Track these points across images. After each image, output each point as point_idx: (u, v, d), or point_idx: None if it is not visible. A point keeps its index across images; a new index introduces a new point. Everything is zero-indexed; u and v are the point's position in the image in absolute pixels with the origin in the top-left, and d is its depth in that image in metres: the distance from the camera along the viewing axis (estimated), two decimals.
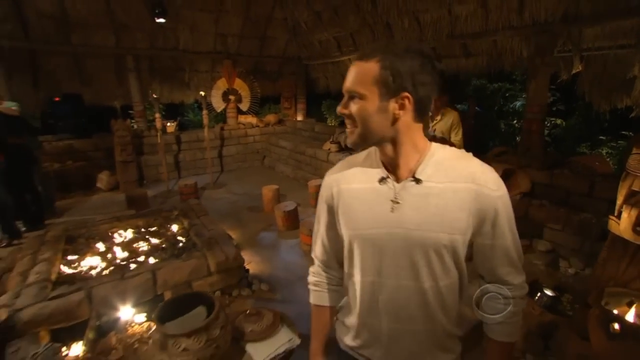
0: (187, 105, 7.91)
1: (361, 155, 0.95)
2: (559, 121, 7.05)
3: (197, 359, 1.41)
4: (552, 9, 3.68)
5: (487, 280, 0.92)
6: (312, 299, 1.08)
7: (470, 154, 0.89)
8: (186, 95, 7.29)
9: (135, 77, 6.27)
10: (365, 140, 0.84)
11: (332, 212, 0.96)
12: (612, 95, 4.00)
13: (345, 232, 0.91)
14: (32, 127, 4.31)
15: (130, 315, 2.27)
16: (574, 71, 3.97)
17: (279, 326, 1.76)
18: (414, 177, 0.83)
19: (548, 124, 6.66)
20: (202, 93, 6.27)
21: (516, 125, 7.23)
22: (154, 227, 3.28)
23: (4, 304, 2.03)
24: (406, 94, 0.77)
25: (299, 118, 8.39)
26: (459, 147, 0.94)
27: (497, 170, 0.87)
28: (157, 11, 5.76)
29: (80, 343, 1.98)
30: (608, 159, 4.97)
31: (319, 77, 8.41)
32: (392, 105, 0.78)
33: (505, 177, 3.30)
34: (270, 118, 7.82)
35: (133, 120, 6.79)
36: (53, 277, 2.35)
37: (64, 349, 1.98)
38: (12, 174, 3.70)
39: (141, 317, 2.30)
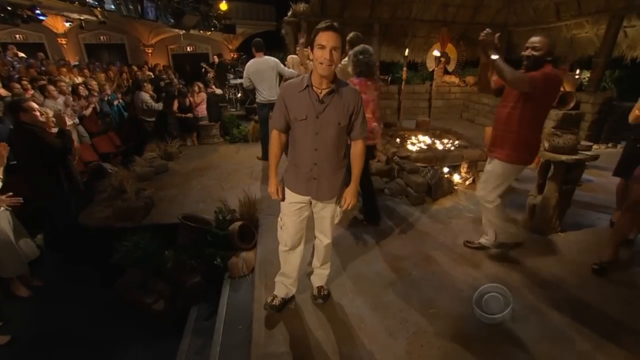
0: (399, 64, 9.83)
1: None
2: None
3: None
4: None
5: None
6: None
7: None
8: (402, 55, 9.19)
9: (376, 41, 8.44)
10: None
11: None
12: None
13: None
14: None
15: (447, 170, 4.29)
16: None
17: None
18: None
19: None
20: (407, 51, 7.97)
21: None
22: (431, 137, 5.28)
23: (405, 153, 4.27)
24: None
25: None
26: None
27: None
28: None
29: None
30: None
31: (521, 44, 9.05)
32: None
33: None
34: (470, 79, 9.07)
35: None
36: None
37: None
38: None
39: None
